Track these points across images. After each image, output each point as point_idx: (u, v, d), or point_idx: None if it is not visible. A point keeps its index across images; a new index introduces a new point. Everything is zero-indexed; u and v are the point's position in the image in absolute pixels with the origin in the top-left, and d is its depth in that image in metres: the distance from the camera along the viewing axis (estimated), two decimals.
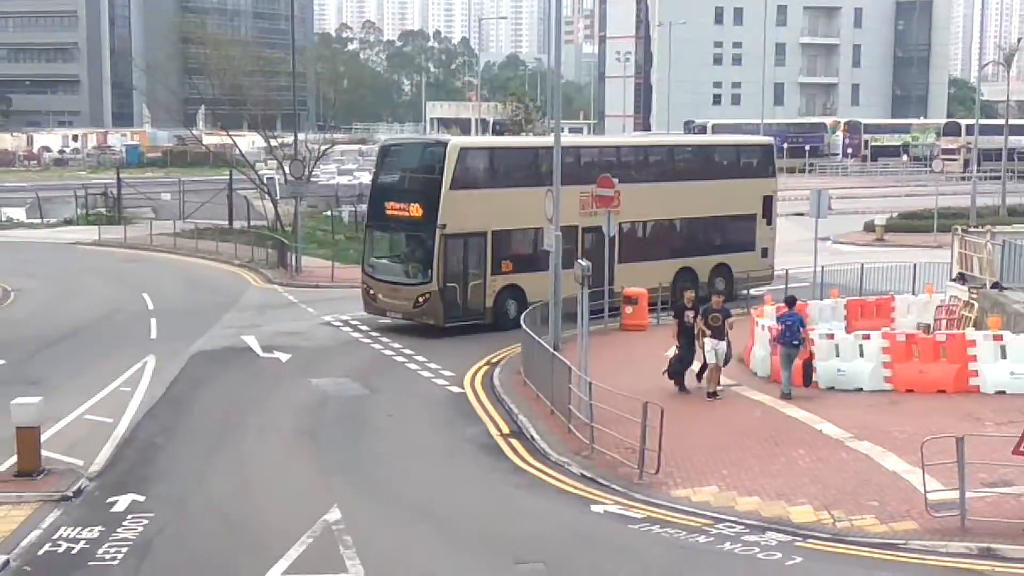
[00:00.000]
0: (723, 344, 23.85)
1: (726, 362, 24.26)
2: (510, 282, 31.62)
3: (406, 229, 32.46)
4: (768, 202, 38.96)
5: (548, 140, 31.25)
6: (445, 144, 32.33)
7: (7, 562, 14.99)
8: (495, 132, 64.57)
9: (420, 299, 30.66)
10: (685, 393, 24.16)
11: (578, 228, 32.06)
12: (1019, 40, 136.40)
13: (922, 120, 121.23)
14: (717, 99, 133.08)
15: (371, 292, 32.37)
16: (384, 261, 33.32)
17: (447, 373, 26.64)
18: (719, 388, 23.82)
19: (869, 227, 56.50)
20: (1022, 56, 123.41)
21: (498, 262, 31.56)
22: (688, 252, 36.34)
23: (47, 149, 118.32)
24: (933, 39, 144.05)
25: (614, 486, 18.36)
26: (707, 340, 23.73)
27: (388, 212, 32.38)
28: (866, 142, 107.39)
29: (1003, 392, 22.93)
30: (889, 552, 15.33)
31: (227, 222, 55.87)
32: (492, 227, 31.27)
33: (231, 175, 58.84)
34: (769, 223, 38.92)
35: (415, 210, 31.27)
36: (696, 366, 24.47)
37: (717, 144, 46.56)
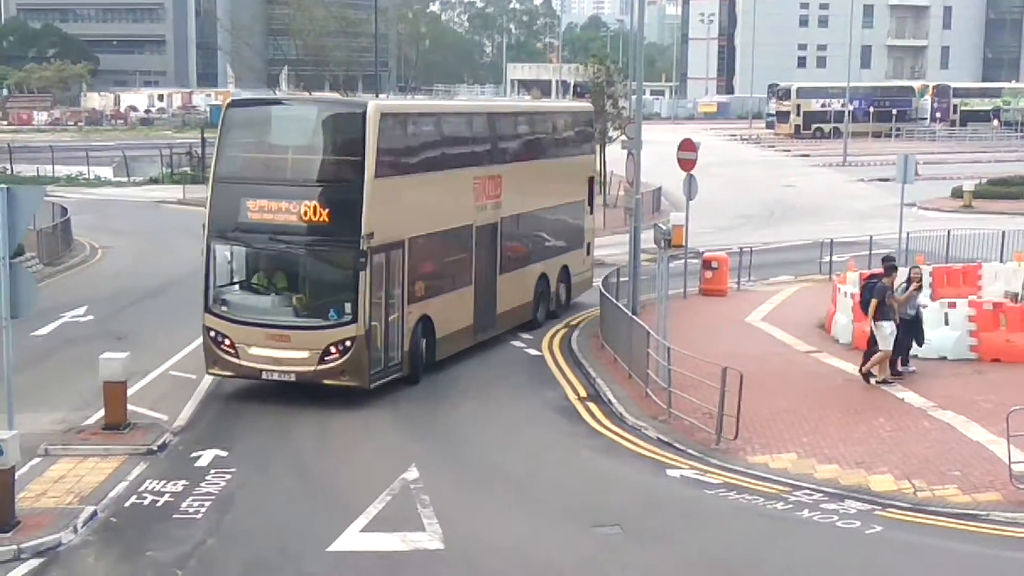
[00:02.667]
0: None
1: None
2: (423, 311, 21.90)
3: (297, 243, 20.37)
4: (591, 185, 32.06)
5: (463, 103, 27.82)
6: (363, 109, 20.78)
7: (95, 513, 15.29)
8: (576, 94, 63.58)
9: (333, 349, 19.84)
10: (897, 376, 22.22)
11: (472, 228, 24.04)
12: None
13: (1014, 84, 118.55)
14: (802, 62, 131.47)
15: (225, 343, 20.35)
16: (254, 294, 21.15)
17: (525, 336, 26.63)
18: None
19: (957, 193, 55.47)
20: None
21: (413, 284, 21.56)
22: (544, 254, 28.41)
23: (133, 109, 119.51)
24: None
25: (690, 451, 18.34)
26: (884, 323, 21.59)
27: (257, 217, 20.23)
28: (955, 106, 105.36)
29: (913, 356, 22.56)
30: (971, 523, 15.19)
31: None
32: (410, 233, 21.19)
33: None
34: (591, 211, 32.05)
35: (316, 212, 19.87)
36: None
37: (560, 111, 36.05)
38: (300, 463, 17.50)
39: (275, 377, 20.15)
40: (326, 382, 20.07)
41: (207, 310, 20.77)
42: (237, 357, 20.29)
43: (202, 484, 16.56)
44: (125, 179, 64.08)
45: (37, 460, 17.36)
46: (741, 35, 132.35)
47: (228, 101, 21.64)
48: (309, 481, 16.80)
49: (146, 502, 15.90)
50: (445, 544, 14.34)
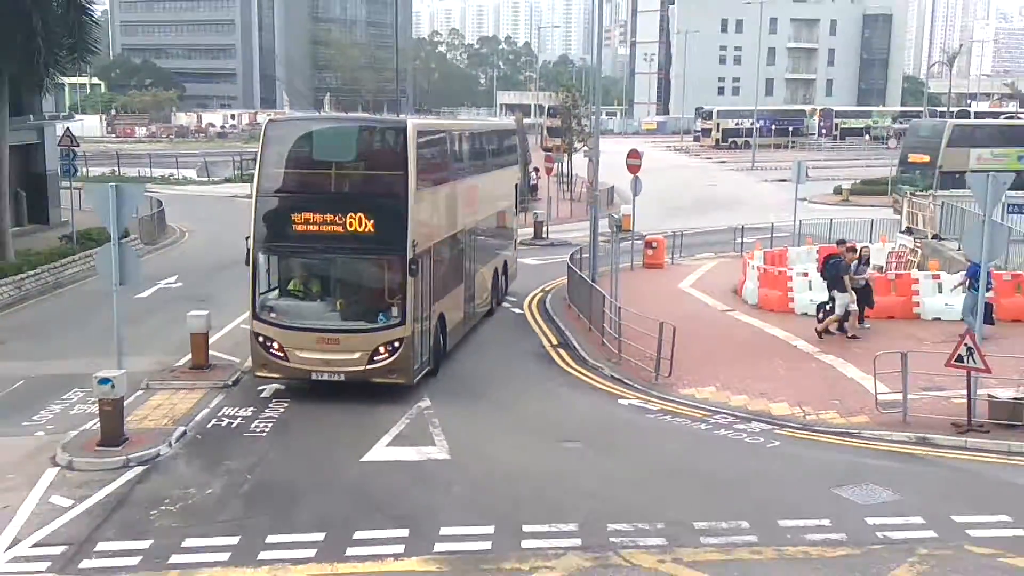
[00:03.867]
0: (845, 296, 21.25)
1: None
2: (440, 310, 19.15)
3: (345, 251, 17.22)
4: (517, 191, 29.37)
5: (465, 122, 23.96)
6: (403, 126, 17.72)
7: (184, 432, 15.38)
8: (549, 115, 63.20)
9: (382, 350, 16.85)
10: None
11: (464, 232, 21.28)
12: (960, 46, 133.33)
13: (881, 108, 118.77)
14: (721, 90, 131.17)
15: (274, 347, 17.19)
16: (302, 300, 17.74)
17: (511, 298, 26.63)
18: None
19: (837, 190, 55.50)
20: (961, 58, 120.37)
21: (435, 285, 18.52)
22: (496, 252, 25.48)
23: (212, 125, 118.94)
24: (892, 44, 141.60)
25: (636, 385, 18.43)
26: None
27: (303, 228, 16.89)
28: (836, 125, 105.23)
29: (939, 319, 22.59)
30: (846, 439, 15.35)
31: None
32: (434, 239, 18.51)
33: None
34: (516, 212, 29.02)
35: (362, 223, 16.75)
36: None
37: (505, 129, 31.10)
38: (340, 395, 17.51)
39: (324, 377, 16.93)
40: (375, 380, 16.99)
41: (255, 317, 17.22)
42: (287, 360, 16.99)
43: (265, 410, 16.67)
44: (205, 179, 63.88)
45: (140, 392, 17.42)
46: (675, 70, 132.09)
47: (267, 120, 18.09)
48: (347, 409, 16.82)
49: (223, 424, 16.01)
50: (450, 455, 14.48)
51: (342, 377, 16.90)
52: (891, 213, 39.48)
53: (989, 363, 14.90)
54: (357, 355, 16.78)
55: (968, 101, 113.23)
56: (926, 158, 41.69)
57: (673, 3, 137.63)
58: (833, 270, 21.18)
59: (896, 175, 46.26)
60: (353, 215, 16.58)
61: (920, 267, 26.32)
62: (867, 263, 22.71)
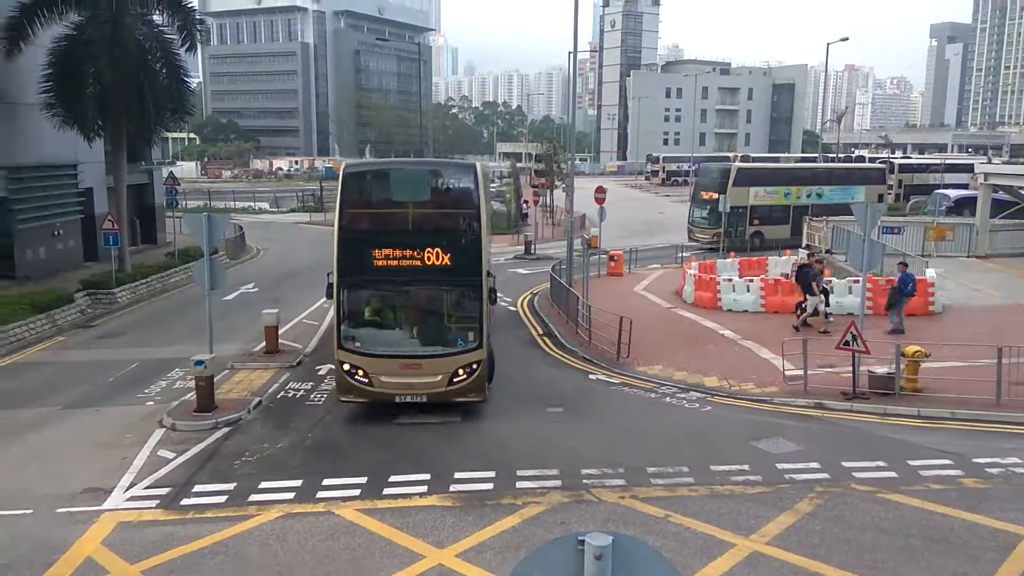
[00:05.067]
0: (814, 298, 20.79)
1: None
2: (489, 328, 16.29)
3: (424, 283, 14.66)
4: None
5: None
6: (473, 167, 15.51)
7: (260, 401, 15.33)
8: (536, 160, 62.99)
9: (461, 372, 14.39)
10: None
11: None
12: (845, 107, 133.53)
13: (786, 155, 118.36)
14: (666, 141, 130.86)
15: (359, 374, 14.43)
16: (385, 329, 15.04)
17: (507, 299, 26.62)
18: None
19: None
20: (847, 117, 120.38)
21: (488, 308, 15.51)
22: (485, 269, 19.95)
23: (280, 168, 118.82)
24: (794, 106, 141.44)
25: (602, 364, 18.38)
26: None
27: (383, 263, 14.37)
28: None
29: (830, 314, 22.57)
30: (761, 404, 15.32)
31: None
32: (487, 267, 14.96)
33: None
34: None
35: (439, 257, 14.34)
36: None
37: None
38: None
39: (407, 399, 14.28)
40: (456, 399, 14.42)
41: (340, 347, 14.28)
42: (371, 385, 14.20)
43: (322, 384, 16.61)
44: (276, 209, 63.75)
45: (226, 371, 17.38)
46: (631, 126, 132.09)
47: (344, 167, 15.05)
48: None
49: (289, 395, 15.95)
50: (461, 418, 14.43)
51: (424, 398, 14.25)
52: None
53: (869, 346, 14.92)
54: (438, 377, 14.23)
55: (852, 149, 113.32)
56: (715, 195, 37.28)
57: (629, 76, 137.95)
58: (804, 277, 20.95)
59: (690, 209, 42.10)
60: (431, 249, 14.02)
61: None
62: (824, 271, 22.04)
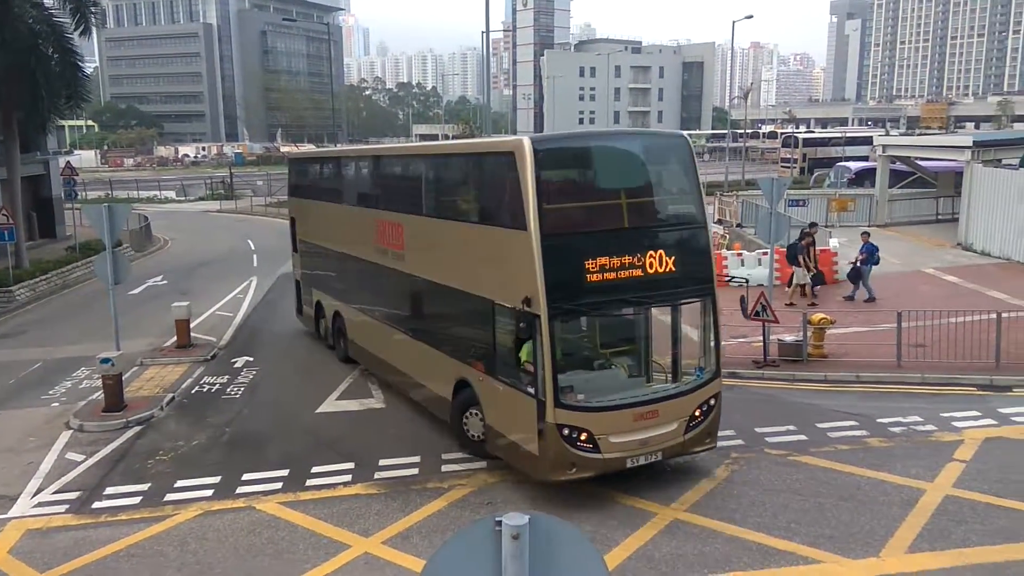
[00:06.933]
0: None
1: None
2: None
3: (655, 297, 10.17)
4: None
5: None
6: (682, 138, 10.95)
7: (173, 398, 14.89)
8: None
9: (698, 412, 10.33)
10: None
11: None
12: (751, 84, 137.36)
13: (697, 131, 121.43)
14: (581, 120, 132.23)
15: (582, 439, 9.51)
16: (605, 369, 10.76)
17: None
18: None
19: None
20: (754, 93, 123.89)
21: None
22: None
23: (187, 155, 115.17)
24: (704, 84, 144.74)
25: None
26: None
27: (601, 277, 9.47)
28: None
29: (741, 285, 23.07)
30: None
31: None
32: None
33: None
34: None
35: (662, 261, 9.82)
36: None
37: None
38: (297, 364, 17.23)
39: (640, 462, 9.92)
40: (695, 450, 10.52)
41: (557, 404, 9.42)
42: (598, 452, 9.65)
43: (238, 377, 16.25)
44: (183, 198, 61.84)
45: (136, 368, 16.79)
46: (547, 106, 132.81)
47: (532, 143, 9.54)
48: (303, 373, 16.55)
49: (205, 389, 15.55)
50: (385, 404, 14.32)
51: (659, 456, 10.14)
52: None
53: (778, 316, 15.44)
54: (675, 425, 10.16)
55: (759, 125, 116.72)
56: None
57: (543, 55, 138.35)
58: (792, 251, 20.94)
59: None
60: (653, 253, 9.82)
61: (728, 247, 27.02)
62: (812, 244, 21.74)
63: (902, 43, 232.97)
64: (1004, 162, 28.31)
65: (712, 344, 10.58)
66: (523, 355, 9.83)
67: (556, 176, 10.23)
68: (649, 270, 9.79)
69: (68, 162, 34.08)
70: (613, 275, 9.60)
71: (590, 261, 9.47)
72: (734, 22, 55.85)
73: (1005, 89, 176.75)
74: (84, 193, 49.41)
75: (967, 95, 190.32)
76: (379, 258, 13.89)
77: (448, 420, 11.95)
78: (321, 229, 17.60)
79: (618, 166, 10.63)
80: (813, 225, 22.57)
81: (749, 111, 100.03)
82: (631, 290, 9.81)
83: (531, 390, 9.61)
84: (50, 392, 15.59)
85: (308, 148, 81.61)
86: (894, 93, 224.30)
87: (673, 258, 9.95)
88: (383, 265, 13.74)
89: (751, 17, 53.99)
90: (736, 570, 8.36)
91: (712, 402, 10.51)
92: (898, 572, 8.27)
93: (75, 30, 26.28)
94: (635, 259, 9.73)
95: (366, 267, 14.54)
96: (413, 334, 12.99)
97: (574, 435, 9.54)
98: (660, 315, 11.14)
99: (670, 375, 10.89)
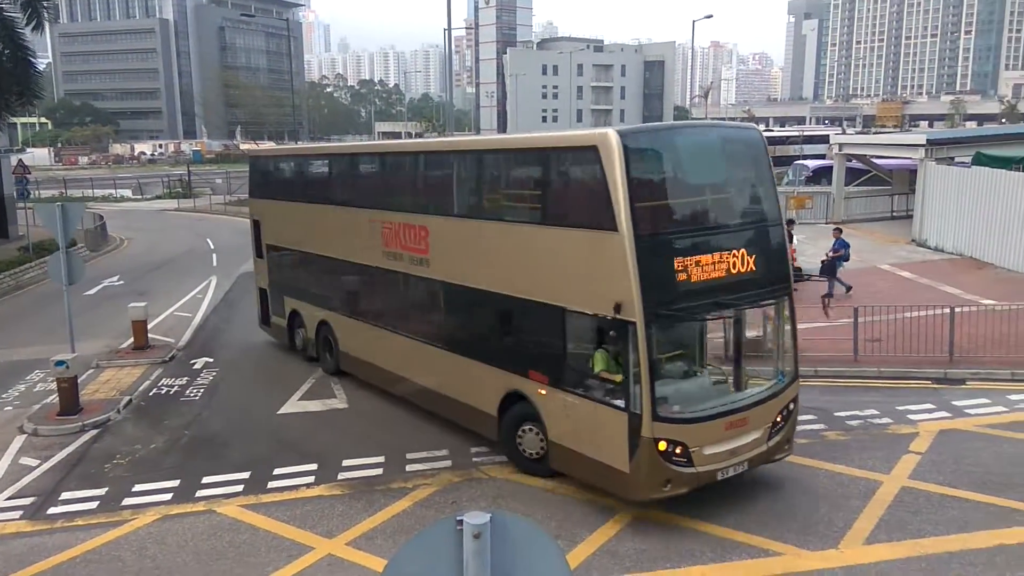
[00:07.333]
0: None
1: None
2: None
3: (742, 299, 9.68)
4: None
5: None
6: (756, 132, 10.46)
7: (130, 400, 14.63)
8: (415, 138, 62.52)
9: (779, 418, 9.91)
10: None
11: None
12: (711, 83, 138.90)
13: None
14: (544, 119, 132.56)
15: (677, 453, 8.89)
16: (695, 377, 10.16)
17: None
18: None
19: None
20: (714, 92, 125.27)
21: None
22: None
23: (143, 153, 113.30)
24: (665, 82, 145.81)
25: None
26: None
27: (693, 277, 8.90)
28: None
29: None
30: None
31: None
32: None
33: None
34: None
35: (744, 261, 9.34)
36: None
37: None
38: (258, 364, 17.04)
39: (729, 473, 9.40)
40: (775, 458, 10.04)
41: (656, 418, 8.77)
42: (692, 466, 9.06)
43: (197, 379, 16.00)
44: (139, 197, 60.83)
45: (92, 371, 16.46)
46: (510, 105, 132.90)
47: (618, 135, 8.76)
48: (264, 374, 16.38)
49: (163, 392, 15.29)
50: (348, 405, 14.22)
51: (745, 467, 9.61)
52: None
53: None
54: (760, 432, 9.69)
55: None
56: None
57: (506, 53, 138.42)
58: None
59: None
60: (736, 252, 9.35)
61: None
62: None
63: (858, 43, 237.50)
64: (957, 160, 28.96)
65: (790, 345, 10.20)
66: (597, 365, 9.23)
67: (645, 172, 9.46)
68: (736, 270, 9.32)
69: (20, 160, 33.38)
70: (705, 275, 9.07)
71: (682, 263, 8.92)
72: (694, 22, 56.48)
73: (957, 88, 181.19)
74: (37, 192, 48.38)
75: (921, 94, 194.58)
76: (389, 263, 12.83)
77: (491, 435, 11.06)
78: (300, 233, 16.00)
79: (705, 160, 10.06)
80: (791, 222, 22.81)
81: (709, 110, 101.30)
82: (722, 292, 9.31)
83: (618, 402, 8.93)
84: (3, 396, 15.23)
85: (269, 145, 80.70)
86: (850, 92, 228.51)
87: (755, 257, 9.50)
88: (394, 271, 12.74)
89: (711, 17, 54.62)
90: (700, 564, 8.45)
91: (791, 407, 10.13)
92: (857, 563, 8.43)
93: (27, 25, 25.70)
94: (726, 259, 9.26)
95: (368, 273, 13.61)
96: (439, 344, 11.96)
97: (671, 449, 8.90)
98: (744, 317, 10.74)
99: (749, 380, 10.40)
